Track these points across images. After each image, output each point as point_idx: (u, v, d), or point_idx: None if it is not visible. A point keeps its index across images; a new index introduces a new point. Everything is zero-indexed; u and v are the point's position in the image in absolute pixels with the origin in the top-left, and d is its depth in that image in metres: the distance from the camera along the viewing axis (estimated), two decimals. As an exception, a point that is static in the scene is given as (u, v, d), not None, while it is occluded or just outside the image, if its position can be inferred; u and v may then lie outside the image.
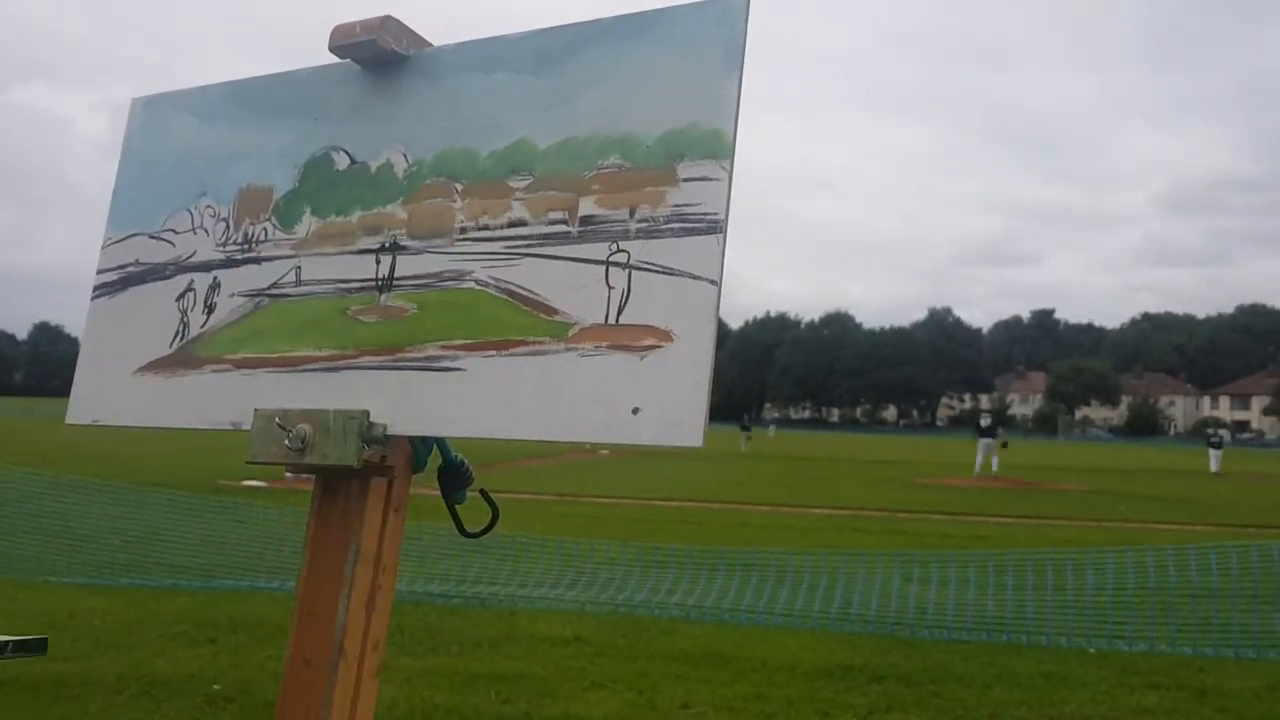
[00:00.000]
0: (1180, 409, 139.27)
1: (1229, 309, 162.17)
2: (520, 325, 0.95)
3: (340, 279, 1.07)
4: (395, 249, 1.05)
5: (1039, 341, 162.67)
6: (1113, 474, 33.97)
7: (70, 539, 9.78)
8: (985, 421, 32.20)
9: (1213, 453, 36.81)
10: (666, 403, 0.86)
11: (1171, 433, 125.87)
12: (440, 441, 1.06)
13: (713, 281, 0.87)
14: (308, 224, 1.12)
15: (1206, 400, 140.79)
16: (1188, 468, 40.12)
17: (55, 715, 5.09)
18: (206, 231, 1.19)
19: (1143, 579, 8.80)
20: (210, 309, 1.15)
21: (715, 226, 0.88)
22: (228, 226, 1.17)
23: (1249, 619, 7.83)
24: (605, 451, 31.74)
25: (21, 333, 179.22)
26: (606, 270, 0.92)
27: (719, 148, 0.90)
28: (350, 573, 0.98)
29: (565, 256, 0.95)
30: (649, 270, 0.90)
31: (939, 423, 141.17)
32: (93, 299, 1.25)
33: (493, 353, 0.96)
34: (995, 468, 29.54)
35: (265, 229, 1.14)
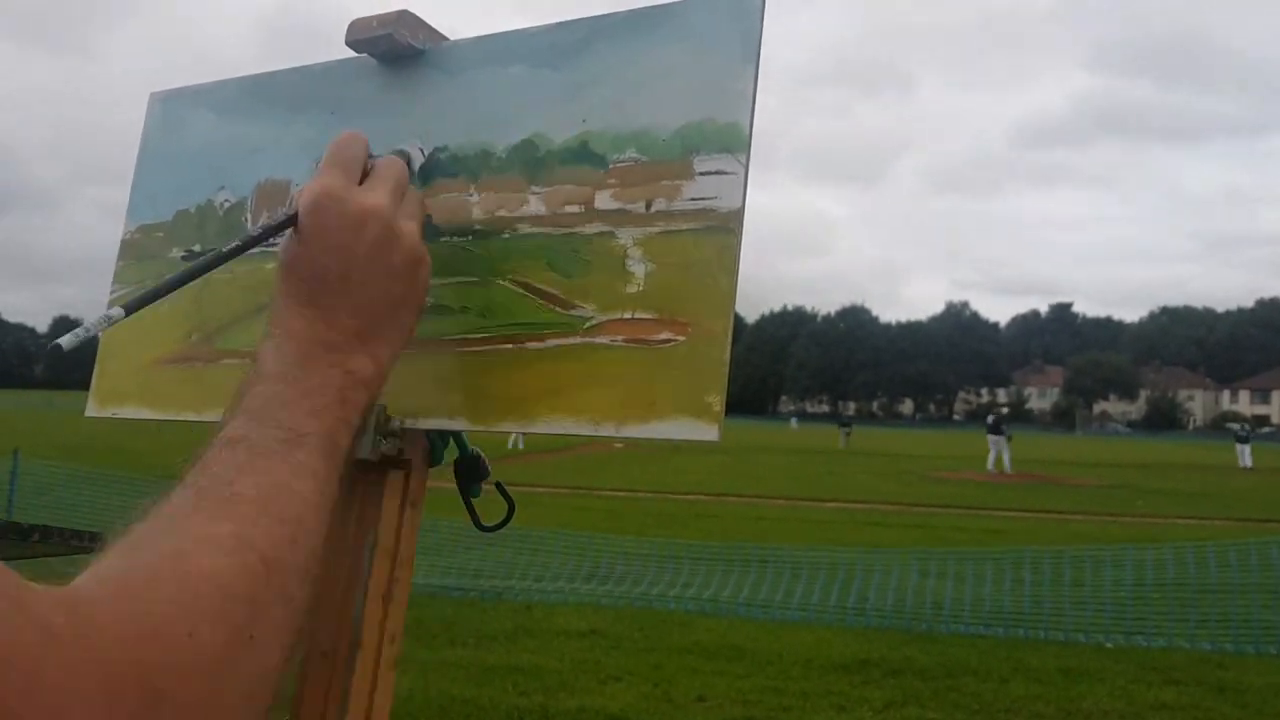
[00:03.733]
0: (1199, 403, 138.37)
1: (1249, 303, 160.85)
2: (537, 319, 0.95)
3: (357, 273, 1.08)
4: (412, 243, 1.05)
5: (1057, 335, 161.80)
6: (1131, 469, 33.82)
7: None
8: (990, 419, 32.57)
9: (1240, 448, 36.38)
10: (683, 397, 0.86)
11: (1191, 427, 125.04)
12: (457, 435, 1.06)
13: (729, 274, 0.87)
14: (325, 218, 1.12)
15: (1226, 394, 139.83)
16: (1207, 462, 39.86)
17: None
18: (224, 226, 1.19)
19: (1161, 574, 8.77)
20: (228, 303, 1.16)
21: (732, 219, 0.88)
22: (246, 221, 1.18)
23: (1269, 615, 7.80)
24: (620, 445, 31.78)
25: (42, 326, 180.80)
26: (623, 264, 0.92)
27: (735, 141, 0.89)
28: (367, 566, 0.98)
29: (581, 250, 0.95)
30: (665, 263, 0.90)
31: (956, 417, 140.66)
32: (112, 293, 1.26)
33: (509, 346, 0.96)
34: (1008, 465, 29.38)
35: (283, 223, 1.15)
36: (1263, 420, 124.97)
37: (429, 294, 1.03)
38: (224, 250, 0.86)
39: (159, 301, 1.23)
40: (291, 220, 0.82)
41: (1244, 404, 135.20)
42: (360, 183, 0.85)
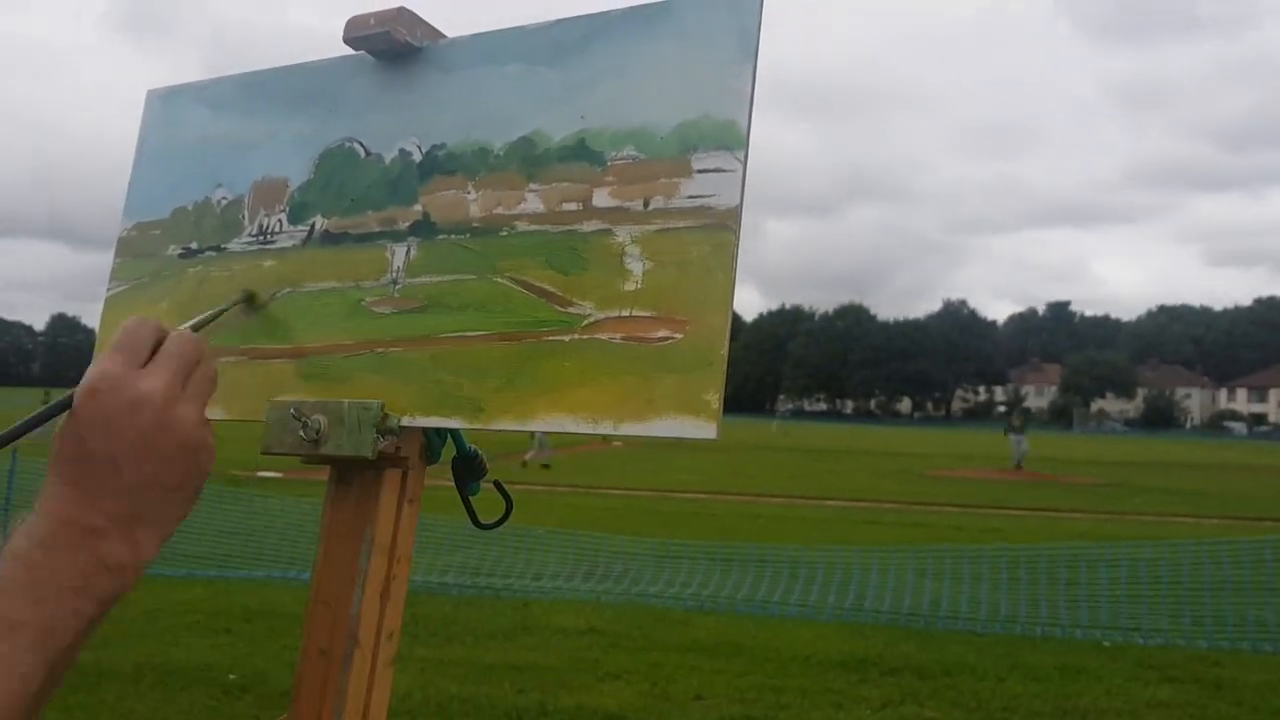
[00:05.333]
0: (1196, 401, 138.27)
1: (1246, 301, 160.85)
2: (534, 317, 0.95)
3: (355, 270, 1.08)
4: (409, 241, 1.05)
5: (1054, 333, 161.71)
6: (1128, 466, 33.80)
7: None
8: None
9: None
10: (680, 395, 0.86)
11: (1188, 425, 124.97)
12: (454, 433, 1.06)
13: (727, 272, 0.87)
14: (322, 215, 1.12)
15: (1223, 393, 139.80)
16: (1204, 461, 39.88)
17: (72, 704, 5.13)
18: (221, 223, 1.19)
19: (1158, 572, 8.78)
20: (223, 299, 1.15)
21: (729, 217, 0.88)
22: (243, 218, 1.18)
23: (1264, 613, 7.81)
24: (619, 444, 31.77)
25: (39, 324, 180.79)
26: (621, 261, 0.92)
27: (733, 139, 0.89)
28: (364, 563, 0.98)
29: (579, 248, 0.95)
30: (663, 261, 0.90)
31: (954, 414, 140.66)
32: (109, 290, 1.26)
33: (507, 344, 0.96)
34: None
35: (280, 220, 1.15)
36: (1260, 419, 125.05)
37: (422, 294, 1.03)
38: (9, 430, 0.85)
39: (157, 298, 1.23)
40: (69, 402, 0.82)
41: (1241, 402, 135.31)
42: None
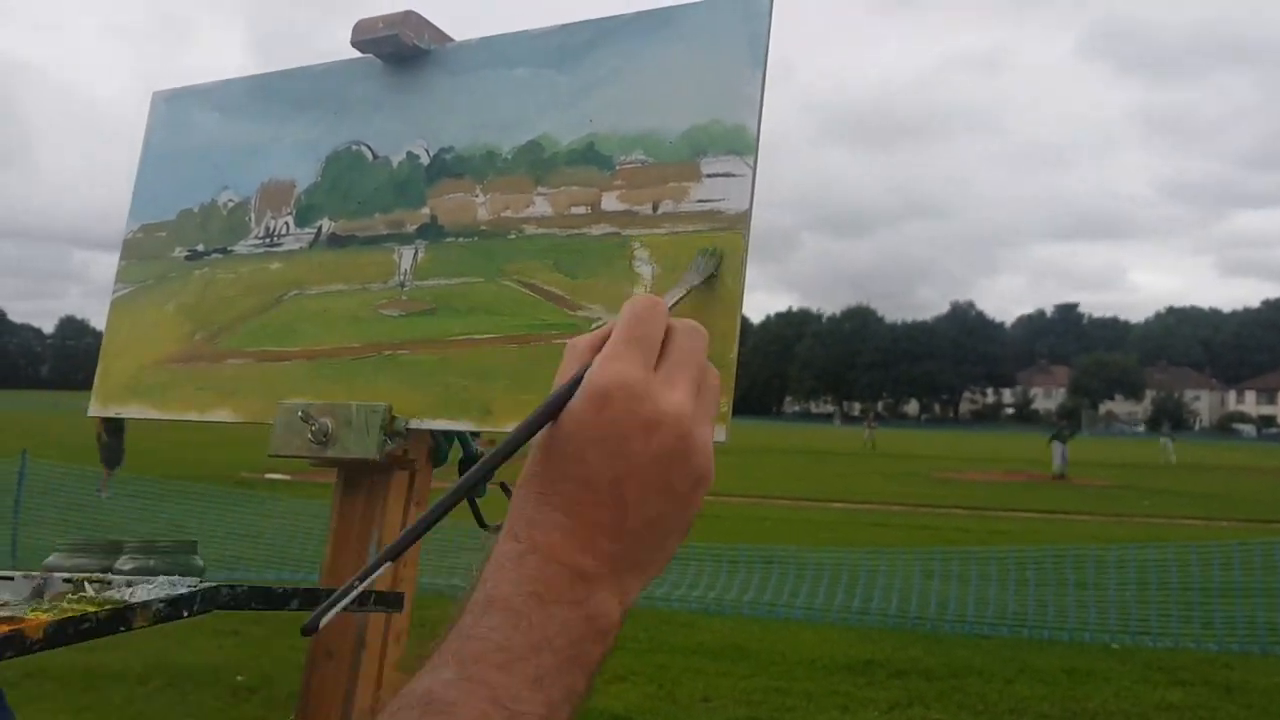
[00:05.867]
0: (1205, 403, 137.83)
1: (1255, 303, 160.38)
2: (543, 320, 0.95)
3: (362, 273, 1.08)
4: (417, 243, 1.05)
5: (1062, 336, 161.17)
6: (1136, 469, 33.68)
7: (94, 530, 9.84)
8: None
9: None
10: (688, 398, 0.85)
11: (1196, 427, 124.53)
12: (461, 435, 1.06)
13: (736, 276, 0.86)
14: (329, 218, 1.12)
15: (1232, 394, 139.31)
16: (1213, 463, 39.73)
17: (81, 705, 5.14)
18: (228, 226, 1.19)
19: (1166, 575, 8.73)
20: (232, 303, 1.16)
21: (738, 221, 0.88)
22: (249, 220, 1.18)
23: (1275, 615, 7.76)
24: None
25: (48, 326, 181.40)
26: (629, 265, 0.92)
27: (742, 143, 0.89)
28: (372, 566, 0.98)
29: (588, 251, 0.95)
30: (672, 265, 0.90)
31: (961, 416, 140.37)
32: (114, 292, 1.26)
33: (515, 347, 0.96)
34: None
35: (286, 223, 1.15)
36: (1269, 420, 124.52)
37: (430, 297, 1.03)
38: (498, 452, 0.67)
39: (163, 300, 1.23)
40: (567, 396, 0.65)
41: (1250, 404, 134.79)
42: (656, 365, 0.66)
